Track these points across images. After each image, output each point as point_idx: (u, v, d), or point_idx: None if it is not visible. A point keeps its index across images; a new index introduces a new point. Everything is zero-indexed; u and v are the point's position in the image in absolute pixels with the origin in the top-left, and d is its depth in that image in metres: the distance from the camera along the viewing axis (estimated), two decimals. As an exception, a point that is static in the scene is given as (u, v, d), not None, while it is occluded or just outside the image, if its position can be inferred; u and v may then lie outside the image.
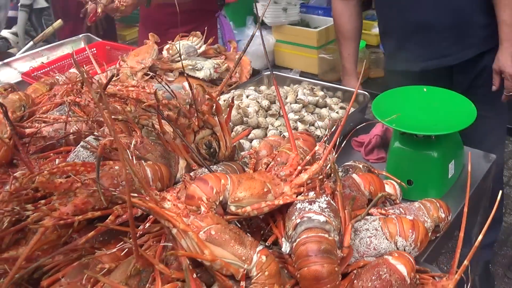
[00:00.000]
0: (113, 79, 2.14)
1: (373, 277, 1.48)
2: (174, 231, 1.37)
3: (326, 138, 1.82)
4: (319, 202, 1.53)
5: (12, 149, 2.09)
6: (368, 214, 1.75)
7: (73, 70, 2.95)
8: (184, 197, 1.54)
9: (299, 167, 1.66)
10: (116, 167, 1.68)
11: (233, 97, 2.61)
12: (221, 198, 1.52)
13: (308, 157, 1.71)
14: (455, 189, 2.26)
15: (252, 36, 2.02)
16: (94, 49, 3.84)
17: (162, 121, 1.89)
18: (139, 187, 1.40)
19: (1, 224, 1.67)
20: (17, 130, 2.22)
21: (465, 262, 1.47)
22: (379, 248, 1.64)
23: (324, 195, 1.58)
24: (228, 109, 2.01)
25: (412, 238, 1.67)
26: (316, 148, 1.78)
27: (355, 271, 1.54)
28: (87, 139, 1.98)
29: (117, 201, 1.62)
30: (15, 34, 7.42)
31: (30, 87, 2.90)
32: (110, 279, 1.48)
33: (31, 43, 4.67)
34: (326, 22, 6.91)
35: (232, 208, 1.53)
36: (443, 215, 1.87)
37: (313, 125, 2.57)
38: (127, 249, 1.57)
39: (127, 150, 1.75)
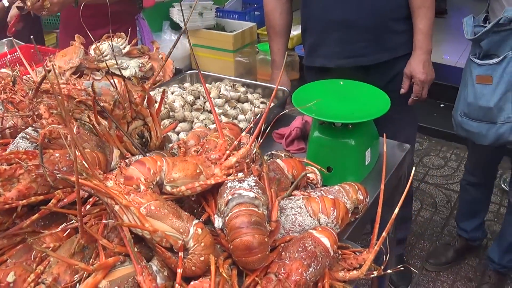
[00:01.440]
0: (46, 77, 2.21)
1: (299, 249, 1.60)
2: (117, 207, 1.48)
3: (250, 126, 1.96)
4: (248, 181, 1.66)
5: None
6: (292, 195, 1.89)
7: (4, 70, 2.99)
8: (122, 180, 1.65)
9: (228, 152, 1.79)
10: (57, 154, 1.77)
11: (164, 88, 2.71)
12: (157, 179, 1.63)
13: (235, 142, 1.84)
14: (372, 176, 2.41)
15: (178, 38, 2.12)
16: (18, 51, 3.88)
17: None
18: (82, 170, 1.50)
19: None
20: None
21: (384, 234, 1.63)
22: (304, 224, 1.77)
23: (252, 175, 1.72)
24: (159, 101, 2.12)
25: (334, 215, 1.81)
26: (243, 134, 1.92)
27: (282, 245, 1.67)
28: (25, 130, 2.06)
29: (58, 186, 1.72)
30: None
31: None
32: (58, 252, 1.58)
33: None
34: (241, 26, 7.02)
35: (168, 188, 1.65)
36: (361, 197, 2.02)
37: (236, 118, 2.69)
38: (69, 230, 1.68)
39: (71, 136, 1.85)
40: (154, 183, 1.63)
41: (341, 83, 2.55)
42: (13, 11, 4.03)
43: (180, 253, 1.49)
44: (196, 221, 1.55)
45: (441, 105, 6.46)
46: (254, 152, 1.85)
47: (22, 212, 1.71)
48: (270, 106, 1.97)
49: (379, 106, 2.33)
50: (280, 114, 2.14)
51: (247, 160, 1.80)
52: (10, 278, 1.56)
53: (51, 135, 1.90)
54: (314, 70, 3.54)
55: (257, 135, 1.83)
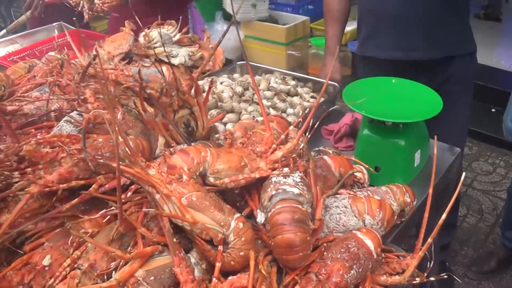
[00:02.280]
0: (91, 63, 2.21)
1: (342, 250, 1.56)
2: (157, 196, 1.46)
3: (299, 120, 1.92)
4: (293, 177, 1.62)
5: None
6: (338, 193, 1.85)
7: (52, 53, 3.00)
8: (164, 170, 1.62)
9: (274, 145, 1.75)
10: (100, 139, 1.76)
11: (212, 78, 2.68)
12: (201, 169, 1.60)
13: (282, 136, 1.80)
14: (420, 178, 2.34)
15: (227, 29, 2.10)
16: (70, 36, 3.89)
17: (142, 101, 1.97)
18: (124, 156, 1.48)
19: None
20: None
21: (429, 240, 1.57)
22: (348, 224, 1.73)
23: (298, 171, 1.68)
24: (206, 90, 2.09)
25: (379, 217, 1.77)
26: (290, 128, 1.87)
27: (325, 244, 1.63)
28: (70, 114, 2.06)
29: (100, 171, 1.70)
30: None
31: (9, 69, 2.96)
32: (96, 239, 1.57)
33: (4, 31, 4.70)
34: (294, 19, 6.96)
35: (211, 179, 1.61)
36: (408, 200, 1.95)
37: (285, 112, 2.65)
38: (109, 217, 1.66)
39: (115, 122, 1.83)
40: (197, 173, 1.60)
41: (393, 81, 2.49)
42: None
43: (219, 246, 1.46)
44: (238, 214, 1.52)
45: (493, 110, 6.33)
46: (301, 147, 1.81)
47: (62, 196, 1.71)
48: (320, 101, 1.92)
49: (431, 107, 2.26)
50: (330, 109, 2.09)
51: (294, 155, 1.76)
52: (46, 261, 1.56)
53: (95, 120, 1.89)
54: (366, 61, 3.50)
55: (305, 130, 1.79)
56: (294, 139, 1.74)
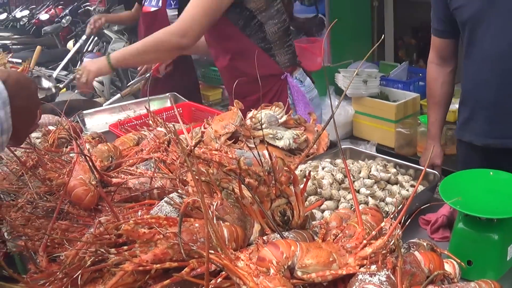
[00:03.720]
0: (195, 143, 2.29)
1: None
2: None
3: (393, 215, 1.93)
4: (379, 276, 1.64)
5: (98, 195, 2.29)
6: (426, 290, 1.84)
7: (160, 129, 3.12)
8: (256, 258, 1.66)
9: (365, 241, 1.77)
10: (196, 225, 1.83)
11: (310, 171, 2.71)
12: (289, 263, 1.64)
13: (374, 232, 1.82)
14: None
15: (337, 106, 2.15)
16: (180, 109, 4.02)
17: (242, 186, 2.04)
18: (216, 245, 1.53)
19: (84, 263, 1.83)
20: (104, 179, 2.42)
21: None
22: (434, 324, 1.72)
23: (385, 269, 1.69)
24: (304, 180, 2.14)
25: (469, 316, 1.75)
26: (382, 224, 1.89)
27: None
28: (170, 195, 2.14)
29: (194, 255, 1.76)
30: (101, 83, 7.77)
31: (118, 139, 3.10)
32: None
33: (119, 95, 4.91)
34: (405, 96, 6.99)
35: (299, 273, 1.64)
36: (497, 297, 1.93)
37: (383, 200, 2.66)
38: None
39: (209, 210, 1.90)
40: (286, 266, 1.63)
41: (491, 173, 2.47)
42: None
43: None
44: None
45: None
46: (391, 243, 1.82)
47: (156, 274, 1.77)
48: (419, 190, 1.92)
49: None
50: (422, 207, 2.09)
51: (384, 251, 1.77)
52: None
53: (194, 204, 1.95)
54: (464, 145, 3.50)
55: (399, 222, 1.82)
56: (385, 235, 1.75)
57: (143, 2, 6.00)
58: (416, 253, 2.01)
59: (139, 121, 3.67)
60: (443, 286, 1.92)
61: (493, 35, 3.12)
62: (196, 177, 1.76)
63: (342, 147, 3.09)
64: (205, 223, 1.53)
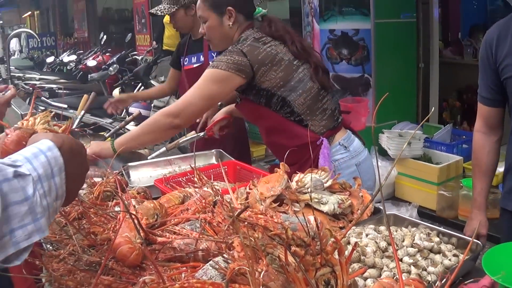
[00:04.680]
0: (243, 209, 2.30)
1: None
2: None
3: (437, 285, 1.94)
4: None
5: (143, 254, 2.32)
6: None
7: (206, 188, 3.15)
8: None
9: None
10: (243, 294, 1.84)
11: (356, 242, 2.71)
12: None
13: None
14: None
15: (379, 178, 2.15)
16: (226, 167, 4.04)
17: (288, 253, 2.04)
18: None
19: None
20: (149, 237, 2.44)
21: None
22: None
23: None
24: (350, 251, 2.14)
25: None
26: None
27: None
28: (216, 259, 2.15)
29: (240, 323, 1.77)
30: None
31: (164, 196, 3.12)
32: None
33: (164, 149, 4.95)
34: (448, 159, 7.00)
35: None
36: None
37: (425, 270, 2.64)
38: None
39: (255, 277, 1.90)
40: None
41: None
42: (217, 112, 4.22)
43: None
44: None
45: None
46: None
47: None
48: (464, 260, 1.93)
49: None
50: (466, 282, 2.09)
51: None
52: None
53: (239, 270, 1.96)
54: (508, 215, 3.53)
55: None
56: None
57: (182, 63, 6.13)
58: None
59: (184, 178, 3.69)
60: None
61: None
62: (244, 242, 1.78)
63: (387, 213, 3.10)
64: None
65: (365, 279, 2.55)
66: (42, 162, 1.74)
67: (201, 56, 5.92)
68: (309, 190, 3.04)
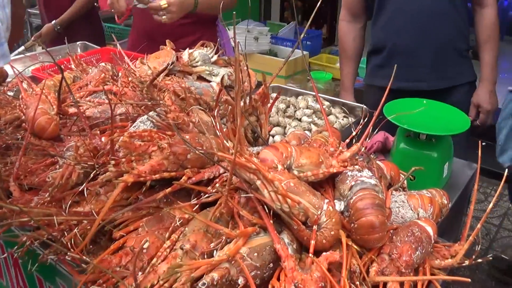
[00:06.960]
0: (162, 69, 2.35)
1: (408, 234, 1.76)
2: (258, 183, 1.61)
3: (353, 135, 2.12)
4: (365, 172, 1.84)
5: (59, 125, 2.30)
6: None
7: (103, 64, 3.12)
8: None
9: (340, 148, 1.97)
10: (187, 136, 1.90)
11: (280, 90, 2.84)
12: (288, 163, 1.79)
13: (347, 140, 2.03)
14: (446, 188, 2.45)
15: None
16: (99, 54, 4.01)
17: (200, 110, 2.18)
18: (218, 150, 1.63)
19: (78, 178, 1.93)
20: (61, 109, 2.41)
21: (478, 226, 1.79)
22: (405, 217, 1.94)
23: (366, 169, 1.88)
24: (273, 100, 2.27)
25: (430, 211, 1.99)
26: (353, 134, 2.09)
27: (391, 231, 1.81)
28: (150, 114, 2.19)
29: (187, 165, 1.85)
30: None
31: (55, 77, 3.03)
32: (192, 223, 1.72)
33: (23, 47, 4.82)
34: (294, 54, 7.13)
35: (295, 172, 1.79)
36: (445, 202, 2.17)
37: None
38: (196, 207, 1.81)
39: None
40: (285, 166, 1.77)
41: (424, 101, 2.70)
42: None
43: (314, 226, 1.62)
44: (327, 200, 1.69)
45: (483, 144, 6.49)
46: (362, 149, 2.01)
47: (145, 189, 1.83)
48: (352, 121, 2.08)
49: (460, 124, 2.52)
50: (383, 121, 2.28)
51: (357, 157, 1.97)
52: (145, 244, 1.69)
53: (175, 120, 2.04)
54: (373, 90, 3.75)
55: (367, 136, 2.04)
56: (357, 144, 1.96)
57: None
58: (378, 162, 2.21)
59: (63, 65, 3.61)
60: (402, 192, 2.13)
61: None
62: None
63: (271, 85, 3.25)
64: (215, 123, 1.61)
65: (273, 136, 2.71)
66: None
67: None
68: (199, 63, 3.13)
